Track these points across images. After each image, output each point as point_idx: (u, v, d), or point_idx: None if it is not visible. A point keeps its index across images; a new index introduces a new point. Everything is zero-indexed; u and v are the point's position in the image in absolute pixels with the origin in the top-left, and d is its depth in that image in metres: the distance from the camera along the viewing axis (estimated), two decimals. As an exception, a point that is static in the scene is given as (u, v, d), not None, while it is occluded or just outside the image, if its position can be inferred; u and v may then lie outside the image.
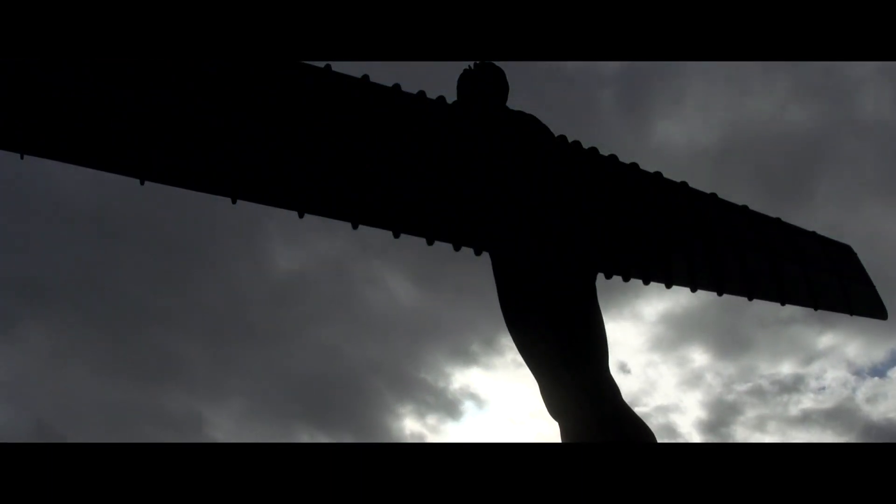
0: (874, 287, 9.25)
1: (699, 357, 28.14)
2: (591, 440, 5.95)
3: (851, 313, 9.00)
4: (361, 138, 6.84)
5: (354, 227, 6.66)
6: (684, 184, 8.15)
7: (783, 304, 8.45)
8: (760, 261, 8.35)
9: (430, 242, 6.90)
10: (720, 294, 8.03)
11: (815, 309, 8.72)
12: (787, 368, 28.30)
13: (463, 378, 30.16)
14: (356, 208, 6.67)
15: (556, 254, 6.70)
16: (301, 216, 6.54)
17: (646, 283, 7.59)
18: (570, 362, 6.26)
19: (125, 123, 6.07)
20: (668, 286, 7.74)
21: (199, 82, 6.39)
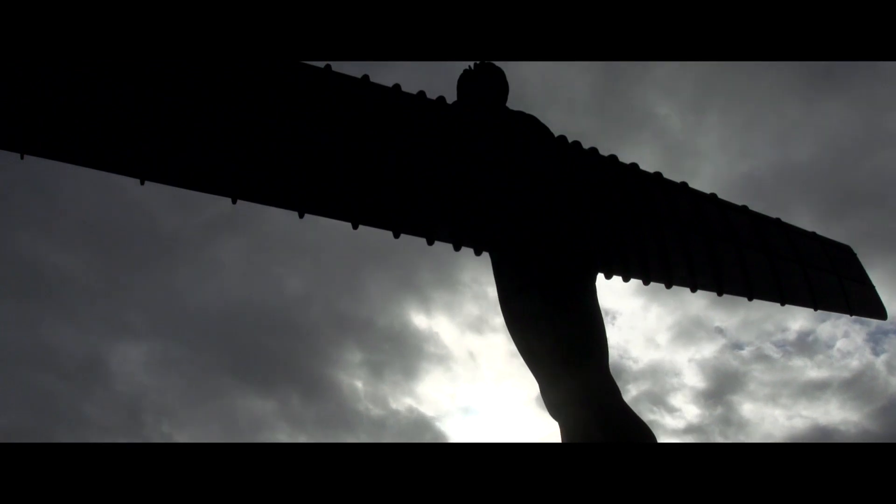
0: (874, 287, 9.29)
1: (696, 301, 25.48)
2: (591, 440, 5.95)
3: (851, 314, 9.05)
4: (361, 138, 6.84)
5: (354, 227, 6.66)
6: (684, 184, 8.17)
7: (783, 304, 8.49)
8: (760, 261, 8.36)
9: (430, 242, 6.91)
10: (720, 294, 8.04)
11: (815, 309, 8.75)
12: (797, 325, 24.95)
13: (417, 320, 25.35)
14: (356, 208, 6.67)
15: (555, 254, 6.70)
16: (301, 216, 6.54)
17: (646, 283, 7.60)
18: (570, 362, 6.26)
19: (125, 123, 6.07)
20: (668, 286, 7.75)
21: (199, 82, 6.38)
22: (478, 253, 7.00)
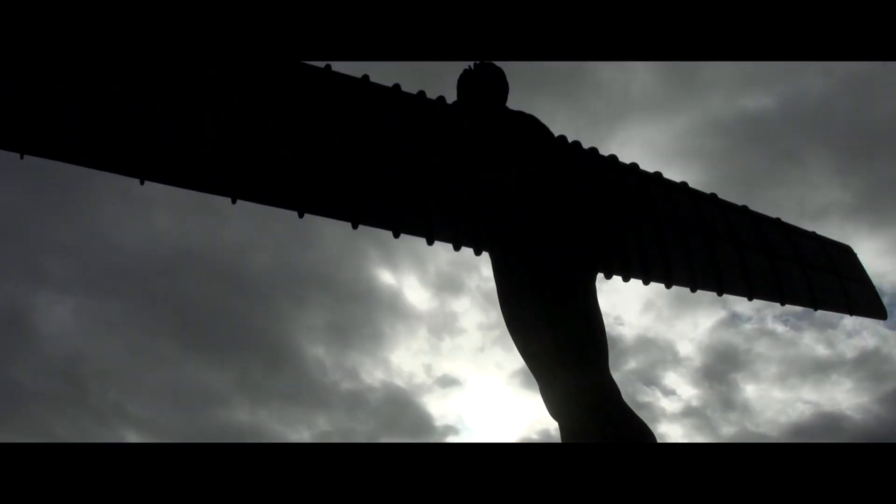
0: (873, 286, 9.31)
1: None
2: (591, 440, 5.96)
3: (851, 313, 9.07)
4: (361, 138, 6.85)
5: (354, 227, 6.67)
6: (684, 184, 8.17)
7: (783, 304, 8.51)
8: (760, 261, 8.37)
9: (430, 242, 6.91)
10: (720, 294, 8.05)
11: (815, 309, 8.77)
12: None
13: (382, 276, 22.01)
14: (356, 208, 6.68)
15: (555, 254, 6.70)
16: (301, 216, 6.55)
17: (646, 283, 7.60)
18: (570, 363, 6.26)
19: (125, 123, 6.07)
20: (668, 286, 7.75)
21: (200, 82, 6.39)
22: (478, 253, 7.00)
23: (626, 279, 7.48)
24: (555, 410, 6.39)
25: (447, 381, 23.42)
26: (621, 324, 22.27)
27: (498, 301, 6.89)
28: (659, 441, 6.38)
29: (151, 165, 6.10)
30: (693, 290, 7.89)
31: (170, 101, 6.21)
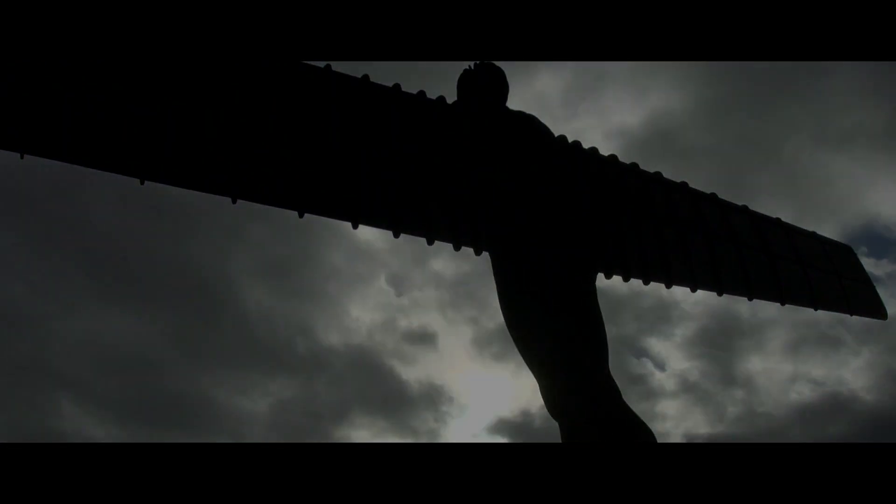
0: (873, 286, 9.32)
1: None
2: (591, 440, 5.96)
3: (851, 313, 9.07)
4: (361, 138, 6.85)
5: (354, 226, 6.68)
6: (684, 184, 8.18)
7: (783, 304, 8.52)
8: (760, 261, 8.39)
9: (430, 242, 6.92)
10: (720, 294, 8.07)
11: (815, 309, 8.78)
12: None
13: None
14: (356, 208, 6.68)
15: (556, 254, 6.70)
16: (301, 216, 6.56)
17: (646, 283, 7.62)
18: (570, 363, 6.26)
19: (125, 123, 6.08)
20: (668, 286, 7.77)
21: (200, 82, 6.39)
22: (478, 253, 7.01)
23: (626, 279, 7.49)
24: (555, 410, 6.39)
25: (415, 339, 20.48)
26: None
27: (497, 297, 6.90)
28: (658, 438, 6.38)
29: (151, 165, 6.11)
30: (693, 291, 7.90)
31: (170, 101, 6.21)
